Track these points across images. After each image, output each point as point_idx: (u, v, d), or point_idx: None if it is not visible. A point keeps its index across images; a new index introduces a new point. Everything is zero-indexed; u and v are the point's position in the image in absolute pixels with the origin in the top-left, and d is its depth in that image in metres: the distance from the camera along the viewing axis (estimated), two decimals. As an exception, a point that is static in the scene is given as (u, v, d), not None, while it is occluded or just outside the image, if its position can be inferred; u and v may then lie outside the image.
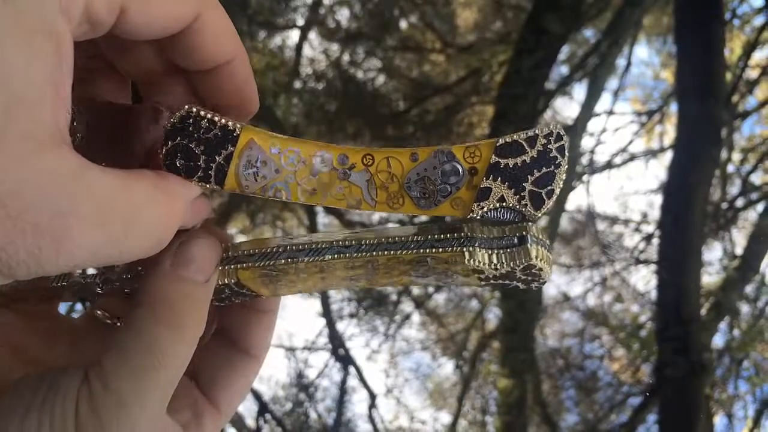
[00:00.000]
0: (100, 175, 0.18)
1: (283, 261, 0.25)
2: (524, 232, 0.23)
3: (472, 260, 0.23)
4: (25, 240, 0.16)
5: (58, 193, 0.16)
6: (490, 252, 0.23)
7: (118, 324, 0.26)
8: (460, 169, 0.23)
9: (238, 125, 0.22)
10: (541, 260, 0.23)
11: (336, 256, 0.24)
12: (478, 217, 0.23)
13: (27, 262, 0.16)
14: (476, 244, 0.23)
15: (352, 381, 1.16)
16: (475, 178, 0.23)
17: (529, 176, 0.23)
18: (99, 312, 0.26)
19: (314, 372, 1.18)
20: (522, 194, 0.23)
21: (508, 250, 0.23)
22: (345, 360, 1.17)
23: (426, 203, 0.23)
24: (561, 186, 0.23)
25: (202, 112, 0.22)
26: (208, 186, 0.23)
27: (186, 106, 0.22)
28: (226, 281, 0.25)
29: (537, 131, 0.22)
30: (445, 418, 1.15)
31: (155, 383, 0.20)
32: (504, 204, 0.23)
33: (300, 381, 1.17)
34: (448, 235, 0.23)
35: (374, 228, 0.26)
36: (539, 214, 0.23)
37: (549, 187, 0.23)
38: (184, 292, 0.22)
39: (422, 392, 1.16)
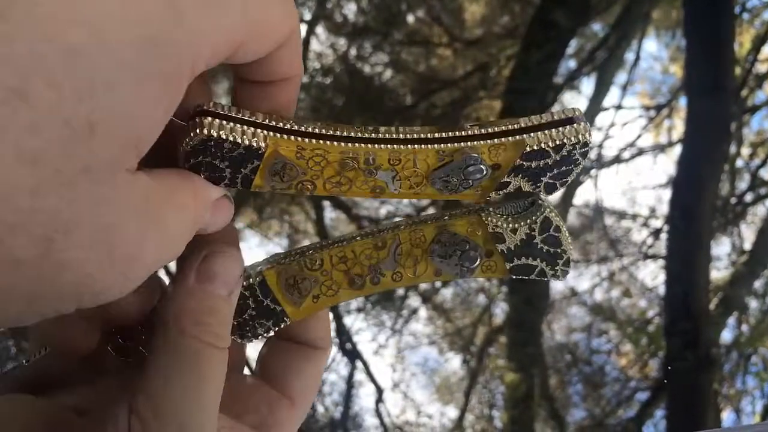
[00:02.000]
0: (148, 182, 0.18)
1: (309, 252, 0.25)
2: (534, 198, 0.25)
3: (489, 220, 0.24)
4: (113, 266, 0.16)
5: (132, 215, 0.17)
6: (506, 215, 0.25)
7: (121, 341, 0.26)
8: (485, 168, 0.23)
9: (263, 143, 0.21)
10: (555, 216, 0.24)
11: (359, 238, 0.25)
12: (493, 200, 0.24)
13: (112, 287, 0.17)
14: (491, 210, 0.25)
15: (359, 375, 1.16)
16: (497, 173, 0.23)
17: (548, 173, 0.24)
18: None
19: (321, 366, 1.18)
20: (538, 185, 0.24)
21: (522, 212, 0.25)
22: (352, 354, 1.17)
23: (448, 192, 0.24)
24: (574, 177, 0.24)
25: (223, 134, 0.21)
26: (233, 188, 0.22)
27: (205, 129, 0.20)
28: (251, 281, 0.25)
29: (565, 139, 0.22)
30: (452, 412, 1.15)
31: (206, 398, 0.21)
32: (520, 191, 0.24)
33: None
34: (464, 209, 0.25)
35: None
36: (547, 197, 0.25)
37: (563, 179, 0.24)
38: (210, 306, 0.22)
39: (429, 387, 1.16)
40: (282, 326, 0.25)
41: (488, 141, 0.22)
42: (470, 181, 0.23)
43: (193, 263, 0.22)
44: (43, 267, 0.15)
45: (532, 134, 0.22)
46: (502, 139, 0.22)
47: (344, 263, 0.25)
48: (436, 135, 0.22)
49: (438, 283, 1.26)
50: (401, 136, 0.22)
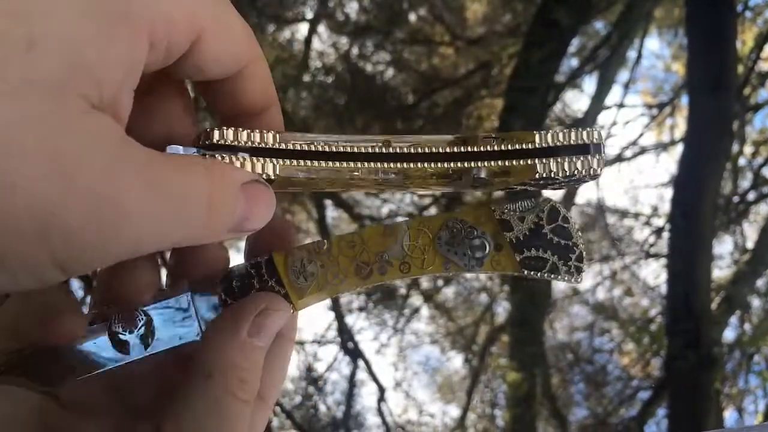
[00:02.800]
0: (155, 156, 0.18)
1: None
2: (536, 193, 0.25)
3: (496, 207, 0.25)
4: (79, 201, 0.16)
5: (99, 152, 0.16)
6: (513, 210, 0.25)
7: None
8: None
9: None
10: (562, 207, 0.25)
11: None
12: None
13: (86, 232, 0.16)
14: (498, 206, 0.25)
15: (361, 374, 1.16)
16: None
17: (553, 186, 0.25)
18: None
19: (323, 365, 1.18)
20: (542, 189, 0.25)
21: (529, 208, 0.25)
22: (354, 353, 1.17)
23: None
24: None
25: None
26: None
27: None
28: (258, 259, 0.25)
29: (576, 171, 0.22)
30: (454, 411, 1.15)
31: None
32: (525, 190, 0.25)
33: (309, 374, 1.17)
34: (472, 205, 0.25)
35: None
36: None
37: (568, 186, 0.25)
38: (254, 361, 0.22)
39: (431, 386, 1.16)
40: None
41: (499, 162, 0.22)
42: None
43: (248, 315, 0.22)
44: None
45: (544, 161, 0.22)
46: (513, 162, 0.22)
47: (352, 249, 0.25)
48: (448, 150, 0.22)
49: (440, 282, 1.26)
50: (411, 150, 0.22)
